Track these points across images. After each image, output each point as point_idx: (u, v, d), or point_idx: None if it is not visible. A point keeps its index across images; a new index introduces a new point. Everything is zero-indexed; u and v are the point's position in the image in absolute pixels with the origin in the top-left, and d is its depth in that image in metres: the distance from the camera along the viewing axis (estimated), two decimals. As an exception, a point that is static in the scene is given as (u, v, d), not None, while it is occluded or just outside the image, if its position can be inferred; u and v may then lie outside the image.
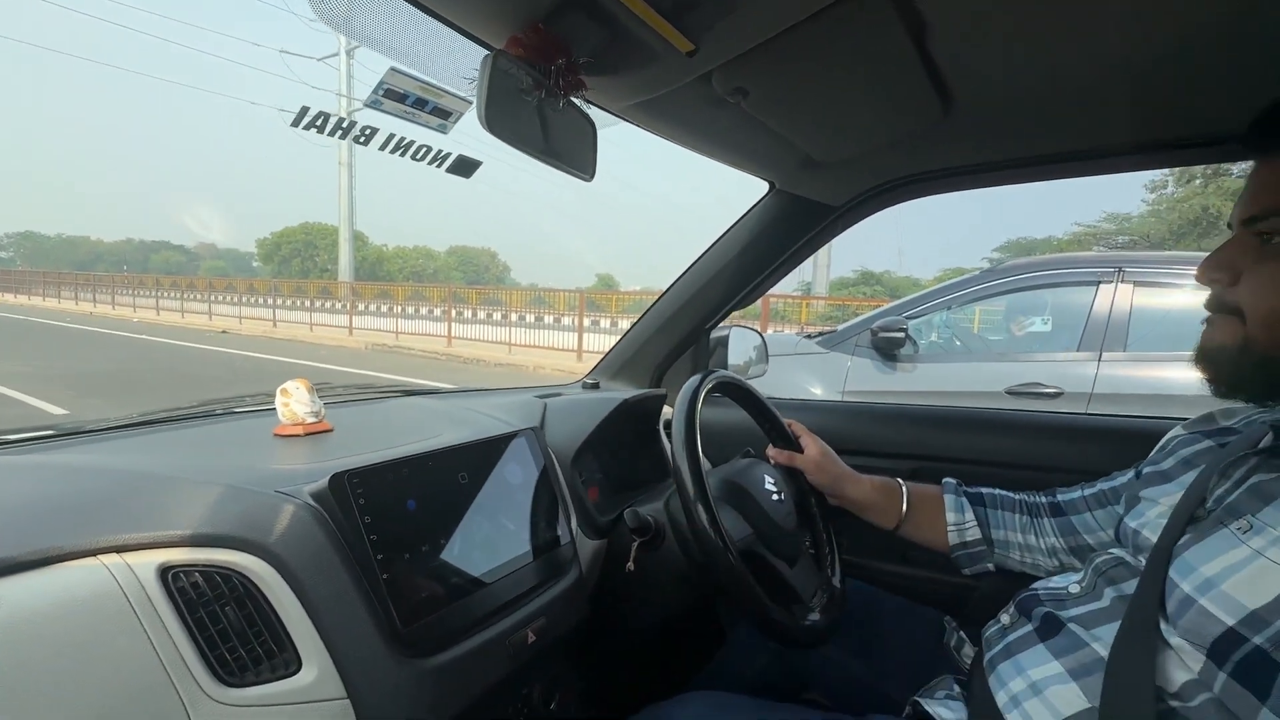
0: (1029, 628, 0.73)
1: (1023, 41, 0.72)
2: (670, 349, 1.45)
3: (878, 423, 1.33)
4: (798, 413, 1.39)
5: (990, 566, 0.93)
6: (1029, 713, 0.65)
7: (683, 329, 1.42)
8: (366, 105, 0.72)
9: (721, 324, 1.51)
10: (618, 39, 0.66)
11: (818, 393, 3.26)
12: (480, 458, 0.76)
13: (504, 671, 0.68)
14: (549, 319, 12.27)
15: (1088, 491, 0.87)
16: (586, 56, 0.67)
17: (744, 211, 1.30)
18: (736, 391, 1.06)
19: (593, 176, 0.81)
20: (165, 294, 20.60)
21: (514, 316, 12.75)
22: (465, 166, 0.77)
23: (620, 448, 1.26)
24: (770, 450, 1.03)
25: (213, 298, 18.53)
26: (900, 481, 0.99)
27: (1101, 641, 0.64)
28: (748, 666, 1.02)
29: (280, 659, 0.56)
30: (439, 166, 0.75)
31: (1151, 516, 0.66)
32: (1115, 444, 1.13)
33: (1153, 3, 0.61)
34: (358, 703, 0.57)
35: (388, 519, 0.62)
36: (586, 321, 10.89)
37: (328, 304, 16.68)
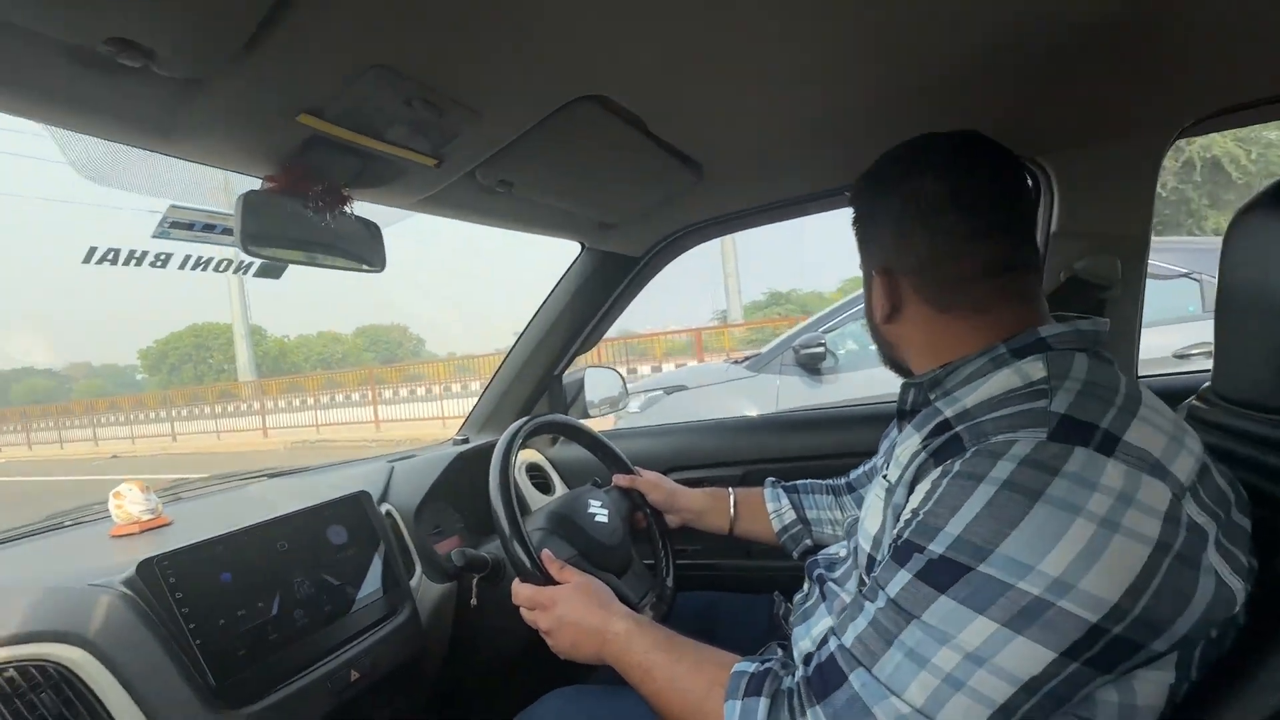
0: (816, 591, 0.88)
1: (729, 113, 0.86)
2: (527, 396, 1.58)
3: (707, 437, 1.50)
4: (632, 439, 1.55)
5: (809, 542, 1.09)
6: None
7: (535, 376, 1.56)
8: (154, 238, 0.76)
9: (574, 368, 1.66)
10: (369, 164, 0.80)
11: (754, 414, 3.42)
12: (300, 526, 0.85)
13: (329, 707, 0.77)
14: (476, 385, 12.14)
15: (865, 467, 1.06)
16: (345, 182, 0.80)
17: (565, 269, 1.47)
18: (564, 429, 1.19)
19: (383, 268, 0.94)
20: (36, 426, 18.35)
21: (439, 388, 12.52)
22: (271, 270, 0.84)
23: (479, 496, 1.37)
24: (615, 476, 1.16)
25: (96, 420, 16.79)
26: (729, 490, 1.13)
27: (848, 591, 0.79)
28: (603, 670, 1.13)
29: None
30: (244, 274, 0.82)
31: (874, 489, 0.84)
32: None
33: (822, 67, 0.75)
34: None
35: (200, 593, 0.71)
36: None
37: (231, 407, 15.60)
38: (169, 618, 0.69)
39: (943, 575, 0.50)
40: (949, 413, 0.61)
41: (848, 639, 0.54)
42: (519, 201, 1.07)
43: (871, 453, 1.15)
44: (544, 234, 1.30)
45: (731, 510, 1.11)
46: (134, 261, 0.77)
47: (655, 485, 1.14)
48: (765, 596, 1.16)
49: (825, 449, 1.39)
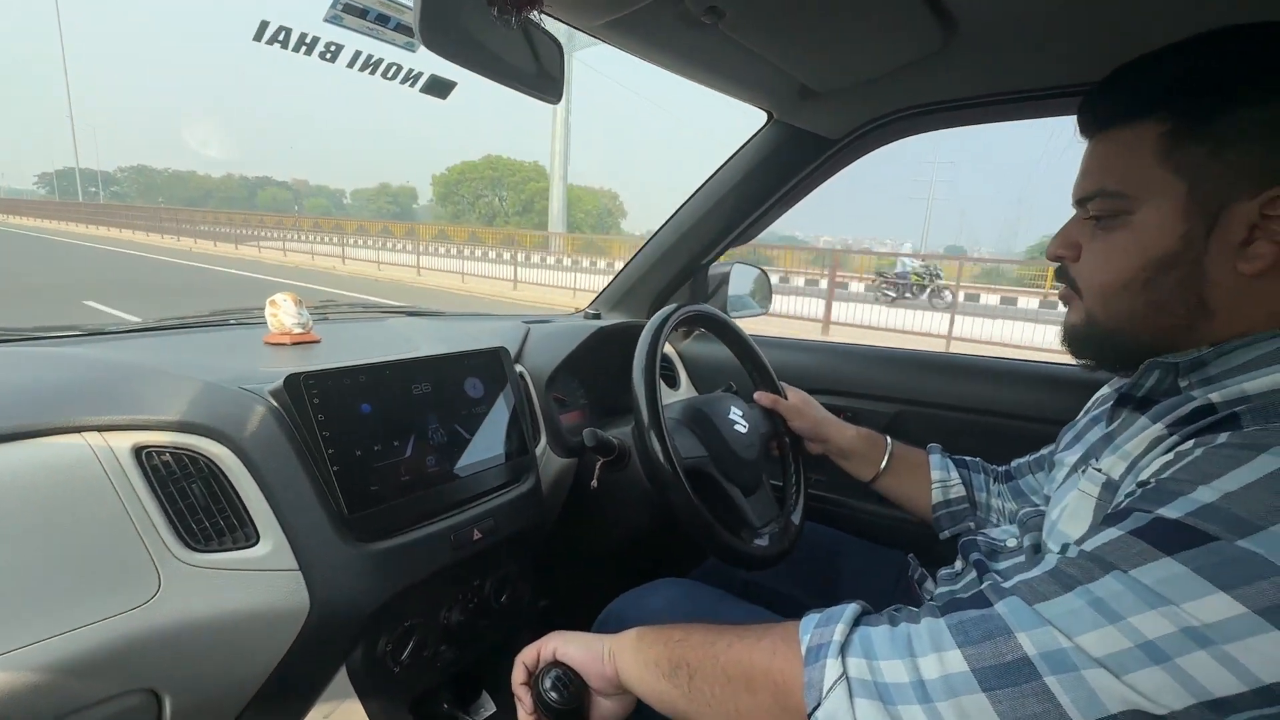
0: (973, 575, 0.75)
1: None
2: (667, 282, 1.46)
3: (862, 364, 1.32)
4: (781, 351, 1.39)
5: (971, 525, 0.95)
6: None
7: (678, 263, 1.42)
8: (326, 20, 0.71)
9: (723, 260, 1.51)
10: None
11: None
12: (440, 371, 0.81)
13: (447, 561, 0.75)
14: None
15: (1032, 457, 0.89)
16: (538, -26, 0.66)
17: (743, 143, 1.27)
18: (715, 325, 1.07)
19: (559, 99, 0.81)
20: (355, 240, 18.58)
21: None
22: (439, 87, 0.76)
23: (607, 376, 1.30)
24: (757, 394, 1.05)
25: (422, 249, 15.81)
26: (887, 438, 0.99)
27: None
28: (720, 584, 1.08)
29: (241, 532, 0.63)
30: (412, 86, 0.75)
31: (1058, 478, 0.68)
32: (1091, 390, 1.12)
33: None
34: (308, 574, 0.64)
35: (341, 418, 0.68)
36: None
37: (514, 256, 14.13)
38: (310, 437, 0.66)
39: (1171, 537, 0.37)
40: (1216, 398, 0.46)
41: (1007, 585, 0.42)
42: (720, 42, 0.88)
43: (1043, 419, 0.95)
44: (733, 94, 1.10)
45: (884, 462, 0.97)
46: (304, 48, 0.69)
47: (800, 411, 1.01)
48: (894, 552, 1.05)
49: (990, 403, 1.19)
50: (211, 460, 0.63)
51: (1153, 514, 0.39)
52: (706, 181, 1.33)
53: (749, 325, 1.47)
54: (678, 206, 1.39)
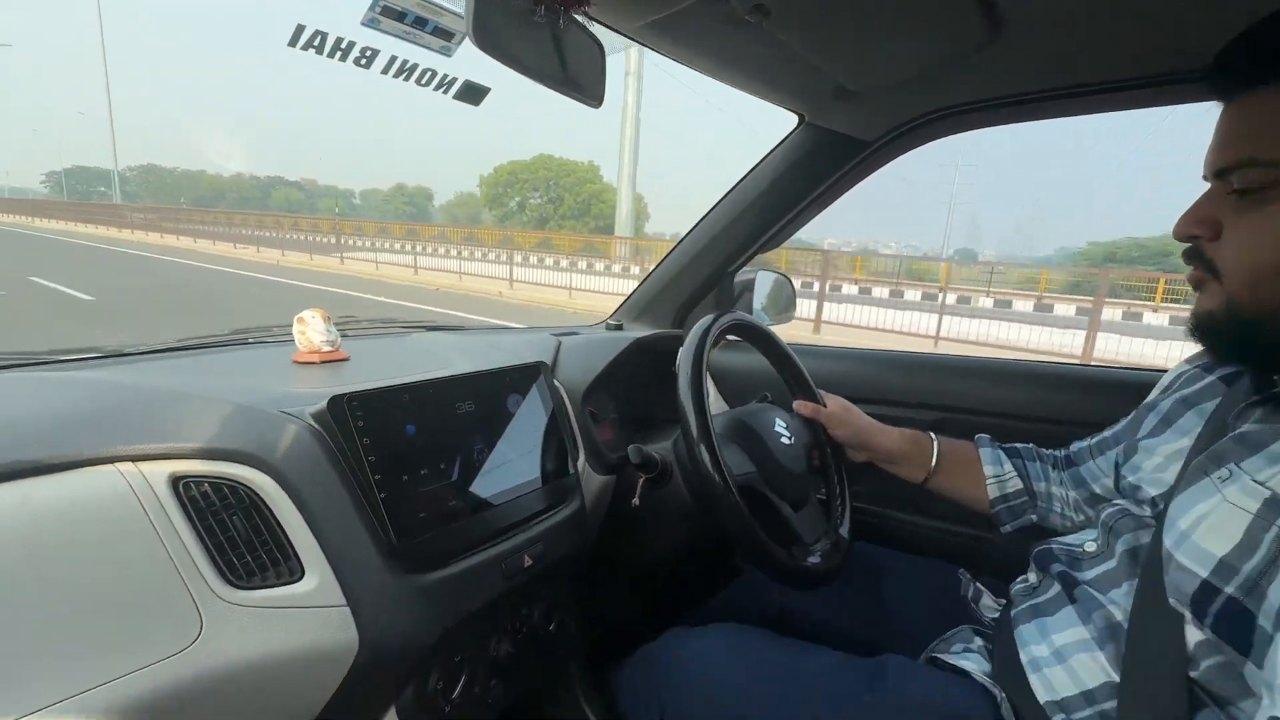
0: (1056, 589, 0.71)
1: None
2: (693, 291, 1.43)
3: (901, 372, 1.29)
4: (818, 359, 1.36)
5: (1033, 518, 0.90)
6: (1050, 680, 0.63)
7: (705, 270, 1.39)
8: (363, 24, 0.69)
9: (748, 267, 1.48)
10: None
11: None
12: (483, 389, 0.77)
13: (499, 590, 0.71)
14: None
15: (1092, 440, 0.85)
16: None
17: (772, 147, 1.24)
18: (754, 334, 1.04)
19: (601, 103, 0.78)
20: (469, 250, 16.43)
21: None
22: (473, 93, 0.74)
23: (638, 388, 1.26)
24: (796, 402, 1.01)
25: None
26: (931, 435, 0.96)
27: (1118, 605, 0.61)
28: (757, 608, 1.04)
29: (285, 566, 0.59)
30: (445, 92, 0.74)
31: (1148, 469, 0.62)
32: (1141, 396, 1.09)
33: None
34: (356, 609, 0.60)
35: (387, 442, 0.64)
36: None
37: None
38: (355, 462, 0.62)
39: None
40: None
41: None
42: (762, 42, 0.85)
43: (1097, 425, 0.91)
44: (766, 96, 1.08)
45: (934, 461, 0.93)
46: (339, 53, 0.66)
47: (842, 420, 0.98)
48: (941, 563, 1.00)
49: (1039, 408, 1.14)
50: (252, 489, 0.59)
51: None
52: (734, 187, 1.30)
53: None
54: (704, 213, 1.36)
